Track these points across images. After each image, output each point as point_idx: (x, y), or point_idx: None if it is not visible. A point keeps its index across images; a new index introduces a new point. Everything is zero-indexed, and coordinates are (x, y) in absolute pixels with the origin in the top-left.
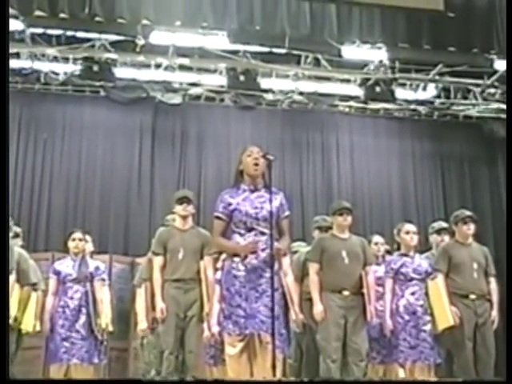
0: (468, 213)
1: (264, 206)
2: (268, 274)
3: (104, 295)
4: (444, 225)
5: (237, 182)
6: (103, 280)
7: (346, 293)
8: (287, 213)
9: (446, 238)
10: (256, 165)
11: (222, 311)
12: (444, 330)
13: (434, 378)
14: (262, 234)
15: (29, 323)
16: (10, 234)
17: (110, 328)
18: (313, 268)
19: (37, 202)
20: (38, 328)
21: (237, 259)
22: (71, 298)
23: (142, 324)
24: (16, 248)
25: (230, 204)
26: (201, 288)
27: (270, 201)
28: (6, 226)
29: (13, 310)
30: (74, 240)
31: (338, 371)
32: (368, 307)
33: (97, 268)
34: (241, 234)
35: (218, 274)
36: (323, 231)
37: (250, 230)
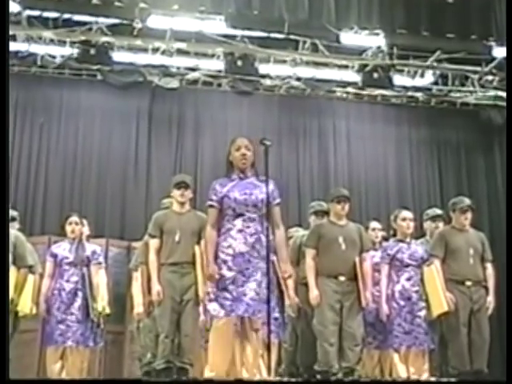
0: (467, 202)
1: (253, 192)
2: (256, 260)
3: (100, 279)
4: (438, 212)
5: (228, 171)
6: (99, 264)
7: (341, 278)
8: (278, 200)
9: (441, 224)
10: (244, 159)
11: (208, 295)
12: (439, 316)
13: (427, 364)
14: (251, 219)
15: (25, 306)
16: None
17: (107, 311)
18: (309, 254)
19: (33, 185)
20: (34, 311)
21: (225, 244)
22: (67, 281)
23: (138, 308)
24: (12, 231)
25: (220, 192)
26: (196, 272)
27: (267, 185)
28: (6, 213)
29: (10, 292)
30: (70, 224)
31: (336, 355)
32: (363, 293)
33: (93, 252)
34: (229, 221)
35: None
36: (319, 216)
37: (238, 215)
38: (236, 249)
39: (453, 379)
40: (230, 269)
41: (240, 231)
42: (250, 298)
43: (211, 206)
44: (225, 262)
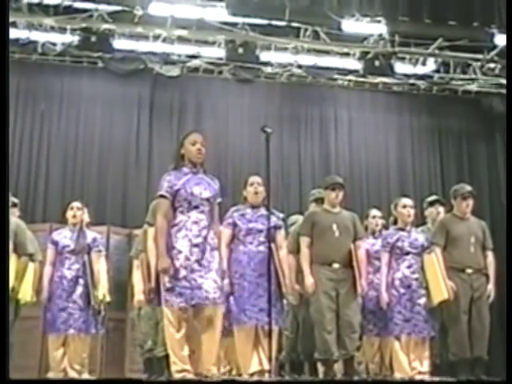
0: (468, 188)
1: (207, 187)
2: (208, 251)
3: (101, 266)
4: (436, 197)
5: (178, 164)
6: (100, 251)
7: (336, 266)
8: (220, 199)
9: (441, 209)
10: (200, 153)
11: (164, 285)
12: (439, 303)
13: (428, 351)
14: (204, 212)
15: (26, 293)
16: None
17: (108, 298)
18: (303, 242)
19: (35, 173)
20: (34, 298)
21: (181, 235)
22: (69, 269)
23: (139, 295)
24: (13, 218)
25: (174, 184)
26: None
27: (268, 177)
28: (6, 201)
29: (10, 280)
30: (72, 209)
31: (335, 343)
32: (358, 281)
33: (94, 239)
34: (183, 212)
35: None
36: (320, 204)
37: (193, 208)
38: (192, 239)
39: (452, 379)
40: (187, 258)
41: (195, 223)
42: (208, 287)
43: (164, 196)
44: (181, 252)
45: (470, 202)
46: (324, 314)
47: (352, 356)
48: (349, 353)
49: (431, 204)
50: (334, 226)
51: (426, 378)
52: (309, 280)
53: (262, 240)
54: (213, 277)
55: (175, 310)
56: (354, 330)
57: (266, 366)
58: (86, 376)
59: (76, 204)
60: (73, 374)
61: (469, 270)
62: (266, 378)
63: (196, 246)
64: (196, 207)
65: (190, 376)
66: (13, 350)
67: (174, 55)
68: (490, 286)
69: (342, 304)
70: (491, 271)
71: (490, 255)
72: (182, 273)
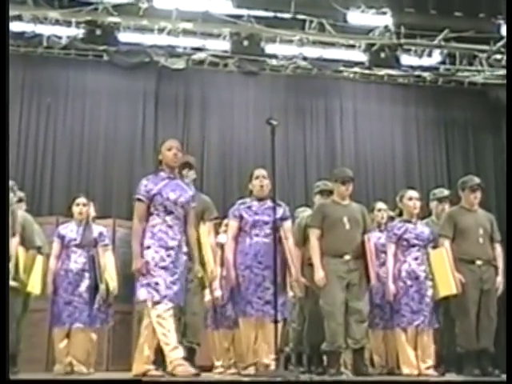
0: (477, 180)
1: (182, 194)
2: (180, 255)
3: (108, 260)
4: (445, 192)
5: (156, 170)
6: (106, 245)
7: (347, 257)
8: (195, 204)
9: (447, 206)
10: (176, 158)
11: (139, 281)
12: (445, 297)
13: (433, 344)
14: (178, 218)
15: (35, 286)
16: (15, 199)
17: (115, 291)
18: (314, 234)
19: (41, 166)
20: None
21: (157, 237)
22: (75, 263)
23: None
24: (20, 212)
25: (151, 189)
26: (201, 253)
27: (273, 176)
28: (6, 195)
29: (20, 274)
30: (78, 205)
31: (343, 335)
32: (371, 270)
33: (100, 233)
34: (160, 216)
35: (221, 238)
36: (324, 196)
37: (169, 213)
38: (168, 242)
39: (457, 378)
40: (163, 259)
41: (170, 227)
42: (177, 289)
43: (140, 200)
44: (157, 252)
45: (478, 194)
46: (336, 305)
47: (362, 347)
48: (358, 342)
49: (439, 200)
50: (345, 219)
51: (431, 371)
52: (319, 273)
53: (269, 232)
54: (181, 280)
55: (157, 302)
56: (364, 319)
57: (272, 358)
58: (91, 369)
59: (82, 200)
60: (79, 367)
61: (478, 262)
62: (272, 369)
63: (171, 248)
64: (171, 212)
65: (190, 367)
66: (20, 342)
67: (179, 48)
68: (500, 279)
69: (353, 294)
70: (500, 263)
71: (498, 247)
72: (158, 272)
